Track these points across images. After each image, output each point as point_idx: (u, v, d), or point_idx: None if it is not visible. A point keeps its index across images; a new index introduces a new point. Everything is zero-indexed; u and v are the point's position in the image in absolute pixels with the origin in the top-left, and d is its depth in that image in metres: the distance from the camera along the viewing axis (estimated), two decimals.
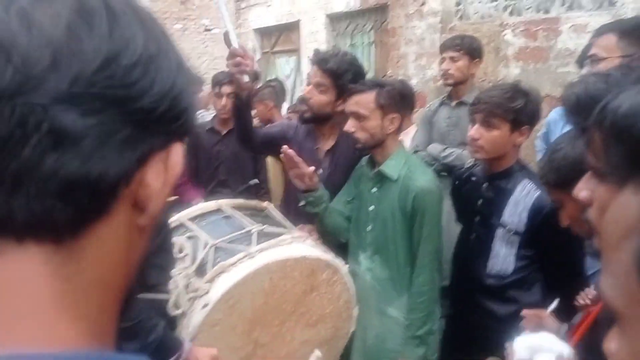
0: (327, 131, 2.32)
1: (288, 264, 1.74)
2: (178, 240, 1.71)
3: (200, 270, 1.63)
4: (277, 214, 2.10)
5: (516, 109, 1.88)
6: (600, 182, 0.68)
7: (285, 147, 2.05)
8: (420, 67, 4.73)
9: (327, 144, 2.37)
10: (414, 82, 4.56)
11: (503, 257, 1.93)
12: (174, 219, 1.83)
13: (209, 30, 12.09)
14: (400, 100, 2.10)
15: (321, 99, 2.23)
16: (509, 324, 1.78)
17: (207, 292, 1.55)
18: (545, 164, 1.38)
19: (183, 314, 1.53)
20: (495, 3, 4.13)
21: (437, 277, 2.03)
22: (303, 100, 2.37)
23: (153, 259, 1.50)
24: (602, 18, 3.30)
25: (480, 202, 2.01)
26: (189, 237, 1.76)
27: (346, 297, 1.96)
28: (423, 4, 4.65)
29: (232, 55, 2.12)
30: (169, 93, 0.39)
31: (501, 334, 1.81)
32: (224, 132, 3.42)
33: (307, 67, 6.76)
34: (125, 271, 0.42)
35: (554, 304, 1.53)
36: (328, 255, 1.91)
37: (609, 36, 1.72)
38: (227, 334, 1.57)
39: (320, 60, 2.27)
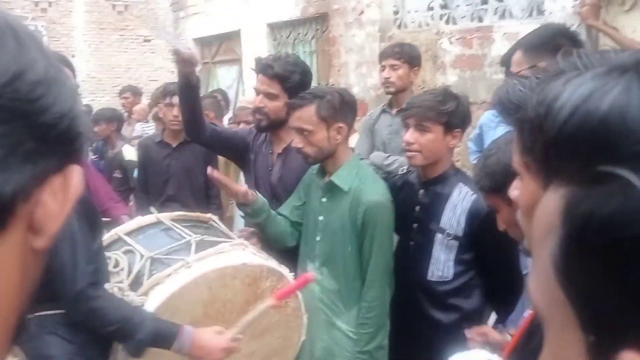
0: (283, 134, 2.30)
1: (227, 272, 1.68)
2: (113, 255, 1.64)
3: (136, 283, 1.57)
4: (222, 226, 2.04)
5: (448, 112, 1.92)
6: (527, 182, 0.68)
7: (209, 170, 2.07)
8: (361, 76, 4.79)
9: (280, 147, 2.36)
10: (355, 90, 4.60)
11: (443, 263, 1.95)
12: (110, 234, 1.76)
13: (148, 41, 11.85)
14: (342, 108, 2.06)
15: (275, 105, 2.22)
16: (452, 333, 1.80)
17: (142, 305, 1.48)
18: (479, 170, 1.40)
19: None
20: (431, 12, 4.23)
21: (387, 291, 2.01)
22: (256, 110, 2.33)
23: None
24: (532, 26, 3.43)
25: (417, 208, 2.02)
26: (125, 252, 1.68)
27: (294, 304, 1.91)
28: (362, 13, 4.71)
29: (182, 53, 2.14)
30: (68, 114, 0.41)
31: (445, 342, 1.83)
32: (175, 144, 3.34)
33: (249, 76, 6.70)
34: (18, 295, 0.40)
35: (492, 319, 1.55)
36: (271, 262, 1.86)
37: (517, 52, 2.01)
38: (164, 351, 1.50)
39: (264, 67, 2.25)
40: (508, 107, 1.34)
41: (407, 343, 2.01)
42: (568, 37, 2.02)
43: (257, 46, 6.39)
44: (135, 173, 3.84)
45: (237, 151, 2.51)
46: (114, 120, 4.82)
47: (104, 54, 11.40)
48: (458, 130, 1.95)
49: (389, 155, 2.95)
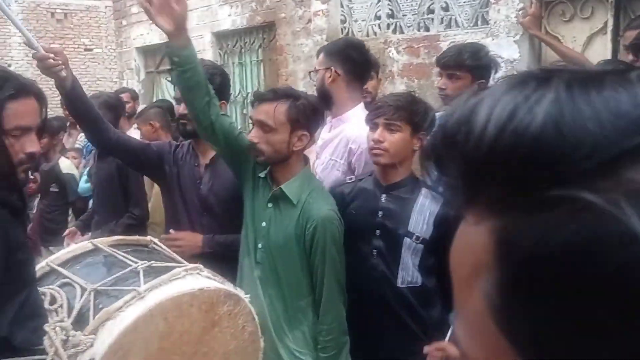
0: (208, 145, 2.24)
1: (184, 299, 1.57)
2: (48, 289, 1.49)
3: (81, 321, 1.42)
4: (164, 249, 1.92)
5: (417, 113, 1.93)
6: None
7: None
8: (310, 85, 4.74)
9: (207, 158, 2.31)
10: None
11: (411, 268, 1.92)
12: (41, 266, 1.60)
13: (89, 49, 11.45)
14: (312, 117, 2.00)
15: None
16: (421, 341, 1.79)
17: (91, 346, 1.36)
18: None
19: None
20: (378, 21, 4.25)
21: (342, 308, 1.95)
22: (181, 117, 2.34)
23: (18, 318, 1.31)
24: (478, 35, 3.50)
25: (380, 214, 1.98)
26: (62, 285, 1.53)
27: (251, 328, 1.81)
28: (309, 21, 4.68)
29: (42, 58, 1.99)
30: None
31: (415, 351, 1.80)
32: (97, 156, 3.22)
33: None
34: None
35: (449, 333, 1.54)
36: (227, 286, 1.77)
37: (321, 54, 2.49)
38: None
39: None
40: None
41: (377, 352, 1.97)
42: (356, 49, 2.47)
43: (202, 55, 6.26)
44: (75, 186, 3.66)
45: (149, 164, 2.43)
46: (60, 130, 4.56)
47: None
48: (423, 132, 1.95)
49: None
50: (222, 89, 2.32)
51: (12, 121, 1.32)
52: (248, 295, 1.82)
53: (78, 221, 3.75)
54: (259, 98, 1.99)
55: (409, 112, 1.93)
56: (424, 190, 1.93)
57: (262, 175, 2.05)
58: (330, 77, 2.38)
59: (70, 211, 4.17)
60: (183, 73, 1.95)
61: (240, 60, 5.81)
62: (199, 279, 1.68)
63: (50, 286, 1.53)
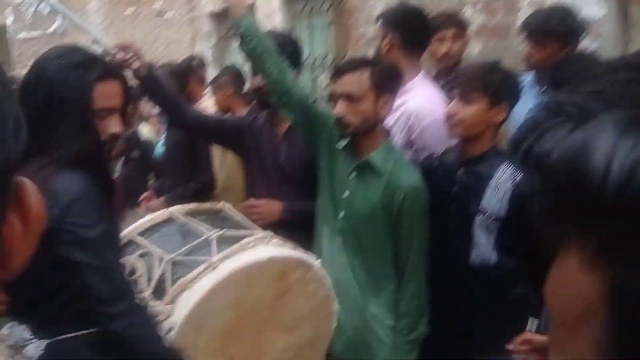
0: (284, 115, 2.25)
1: (255, 269, 1.62)
2: (129, 260, 1.56)
3: (159, 291, 1.49)
4: (236, 214, 1.96)
5: (496, 83, 1.84)
6: None
7: None
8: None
9: (283, 127, 2.33)
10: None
11: (485, 246, 1.85)
12: (123, 236, 1.66)
13: (162, 14, 11.70)
14: (393, 80, 1.98)
15: None
16: (496, 323, 1.74)
17: (169, 315, 1.42)
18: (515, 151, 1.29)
19: None
20: None
21: (425, 278, 1.95)
22: (258, 89, 2.35)
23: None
24: None
25: (455, 189, 1.93)
26: (141, 255, 1.60)
27: (323, 293, 1.84)
28: None
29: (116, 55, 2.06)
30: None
31: (487, 332, 1.76)
32: None
33: None
34: None
35: (533, 325, 1.47)
36: (297, 252, 1.79)
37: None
38: (199, 357, 1.45)
39: None
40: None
41: (448, 330, 1.94)
42: (413, 15, 2.39)
43: (271, 18, 6.23)
44: (155, 152, 3.78)
45: (227, 139, 2.49)
46: (139, 96, 4.72)
47: (118, 28, 11.32)
48: (505, 103, 1.86)
49: None
50: (294, 58, 2.32)
51: (99, 102, 1.37)
52: (319, 261, 1.84)
53: (154, 184, 3.91)
54: (339, 71, 1.98)
55: (485, 82, 1.84)
56: (503, 165, 1.83)
57: (341, 146, 2.03)
58: (386, 45, 2.32)
59: (150, 175, 4.32)
60: (248, 43, 2.01)
61: (309, 24, 5.74)
62: (269, 248, 1.71)
63: (131, 255, 1.60)
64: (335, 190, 2.04)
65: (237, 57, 7.55)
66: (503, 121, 1.91)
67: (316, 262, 1.81)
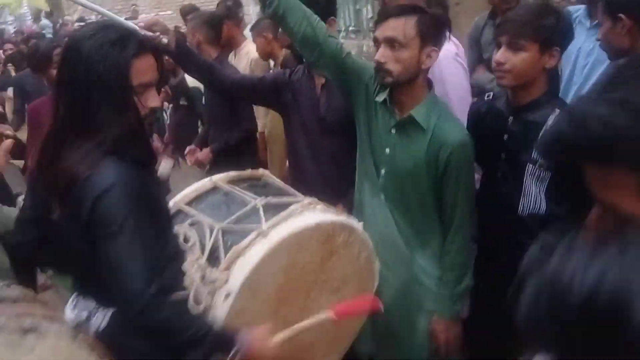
0: None
1: (304, 234, 1.65)
2: (181, 229, 1.59)
3: (213, 259, 1.53)
4: (276, 181, 1.99)
5: (546, 27, 1.74)
6: None
7: None
8: None
9: (321, 79, 2.30)
10: None
11: (535, 196, 1.83)
12: (171, 206, 1.70)
13: None
14: (440, 30, 1.89)
15: None
16: None
17: (226, 282, 1.46)
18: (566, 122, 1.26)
19: (206, 309, 1.45)
20: None
21: (471, 231, 1.96)
22: (290, 45, 2.37)
23: (164, 254, 1.41)
24: None
25: (505, 137, 1.89)
26: (191, 224, 1.63)
27: (365, 254, 1.88)
28: None
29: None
30: None
31: None
32: None
33: None
34: None
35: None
36: (341, 217, 1.82)
37: None
38: (253, 320, 1.50)
39: None
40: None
41: (494, 281, 1.95)
42: None
43: None
44: (203, 100, 3.78)
45: (266, 97, 2.48)
46: None
47: None
48: (557, 49, 1.78)
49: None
50: (328, 5, 2.27)
51: (137, 78, 1.37)
52: (361, 224, 1.86)
53: (200, 133, 3.93)
54: (384, 14, 1.89)
55: (535, 28, 1.74)
56: (555, 113, 1.77)
57: (380, 99, 1.97)
58: None
59: (199, 123, 4.33)
60: (270, 5, 1.94)
61: None
62: (315, 213, 1.74)
63: (182, 224, 1.64)
64: (375, 145, 2.01)
65: None
66: (555, 65, 1.84)
67: (359, 225, 1.83)
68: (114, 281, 1.32)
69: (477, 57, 2.87)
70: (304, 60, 2.17)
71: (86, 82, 1.34)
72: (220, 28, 3.55)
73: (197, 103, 4.09)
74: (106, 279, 1.33)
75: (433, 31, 1.85)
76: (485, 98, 2.10)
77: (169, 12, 8.66)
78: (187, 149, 3.58)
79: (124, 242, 1.30)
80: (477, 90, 2.71)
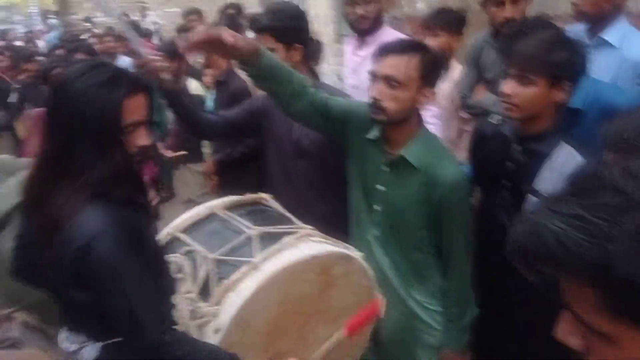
0: None
1: (298, 267, 1.62)
2: (175, 258, 1.59)
3: (204, 291, 1.52)
4: (276, 207, 1.96)
5: (557, 63, 1.66)
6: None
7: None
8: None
9: None
10: (419, 6, 4.15)
11: None
12: (166, 233, 1.69)
13: None
14: (439, 71, 1.87)
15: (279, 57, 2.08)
16: (540, 309, 1.70)
17: (216, 317, 1.45)
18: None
19: None
20: None
21: (469, 266, 1.91)
22: None
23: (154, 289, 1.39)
24: None
25: (508, 164, 1.84)
26: (186, 253, 1.63)
27: (366, 283, 1.85)
28: None
29: (144, 64, 2.11)
30: None
31: (532, 317, 1.71)
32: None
33: None
34: None
35: None
36: (339, 247, 1.79)
37: None
38: (245, 354, 1.48)
39: (254, 24, 2.20)
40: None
41: (494, 314, 1.92)
42: None
43: None
44: (205, 107, 3.76)
45: (250, 128, 2.47)
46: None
47: None
48: (569, 84, 1.70)
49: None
50: (301, 32, 2.27)
51: (127, 118, 1.35)
52: (361, 254, 1.82)
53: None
54: (385, 49, 1.83)
55: (545, 63, 1.66)
56: (563, 145, 1.72)
57: (371, 136, 1.94)
58: None
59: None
60: (259, 81, 1.90)
61: None
62: (310, 245, 1.71)
63: (176, 253, 1.63)
64: (368, 180, 1.97)
65: None
66: (566, 100, 1.76)
67: (357, 254, 1.80)
68: (125, 332, 1.32)
69: (476, 78, 2.82)
70: (284, 113, 2.05)
71: (71, 122, 1.32)
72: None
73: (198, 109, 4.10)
74: (107, 323, 1.33)
75: (433, 72, 1.81)
76: (493, 120, 2.03)
77: (177, 9, 8.64)
78: (204, 168, 3.58)
79: (122, 294, 1.29)
80: (480, 111, 2.67)
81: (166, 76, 2.07)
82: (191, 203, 2.87)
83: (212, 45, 1.73)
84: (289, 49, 2.23)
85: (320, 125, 2.01)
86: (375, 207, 1.96)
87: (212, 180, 3.38)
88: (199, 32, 1.76)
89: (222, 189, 3.02)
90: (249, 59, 1.78)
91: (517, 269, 0.71)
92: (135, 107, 1.36)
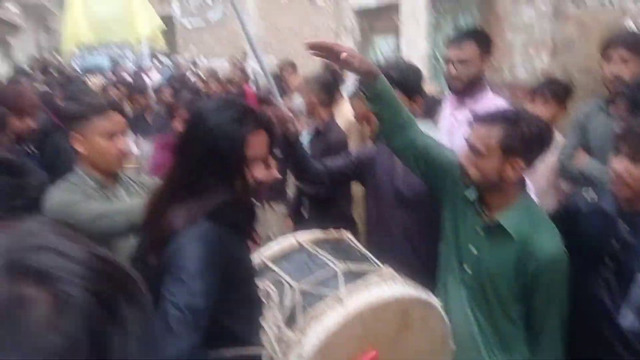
0: None
1: (381, 306, 1.70)
2: (264, 285, 1.70)
3: (290, 319, 1.63)
4: (356, 244, 2.06)
5: None
6: None
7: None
8: (528, 57, 4.40)
9: None
10: (520, 73, 4.25)
11: None
12: (257, 262, 1.80)
13: (314, 2, 12.03)
14: (531, 144, 1.76)
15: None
16: None
17: (300, 344, 1.54)
18: None
19: None
20: None
21: (562, 346, 1.85)
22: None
23: (241, 311, 1.50)
24: None
25: (614, 243, 1.77)
26: (274, 281, 1.74)
27: (442, 331, 1.89)
28: None
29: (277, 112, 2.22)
30: None
31: None
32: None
33: (407, 47, 6.54)
34: None
35: None
36: (420, 292, 1.84)
37: None
38: None
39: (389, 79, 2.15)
40: None
41: None
42: None
43: (417, 17, 6.18)
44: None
45: (356, 176, 2.55)
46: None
47: (272, 14, 11.83)
48: None
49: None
50: (420, 86, 2.40)
51: (250, 151, 1.48)
52: (440, 305, 1.86)
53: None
54: (474, 118, 1.85)
55: None
56: None
57: (470, 196, 1.92)
58: None
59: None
60: (375, 105, 1.99)
61: (453, 22, 5.61)
62: (393, 287, 1.78)
63: (266, 281, 1.76)
64: (461, 238, 1.95)
65: (378, 52, 7.60)
66: None
67: (437, 302, 1.84)
68: (162, 324, 1.31)
69: (578, 141, 2.72)
70: (387, 144, 2.14)
71: (206, 152, 1.47)
72: (334, 93, 3.63)
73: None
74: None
75: (523, 144, 1.75)
76: (587, 197, 1.95)
77: (272, 57, 9.17)
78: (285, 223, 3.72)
79: (181, 291, 1.32)
80: (580, 179, 2.60)
81: (292, 127, 2.22)
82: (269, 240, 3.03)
83: (330, 55, 1.89)
84: (412, 101, 2.36)
85: (421, 167, 2.05)
86: (467, 267, 1.94)
87: (290, 222, 3.53)
88: (323, 40, 1.95)
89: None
90: (366, 79, 1.93)
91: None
92: (257, 144, 1.50)
